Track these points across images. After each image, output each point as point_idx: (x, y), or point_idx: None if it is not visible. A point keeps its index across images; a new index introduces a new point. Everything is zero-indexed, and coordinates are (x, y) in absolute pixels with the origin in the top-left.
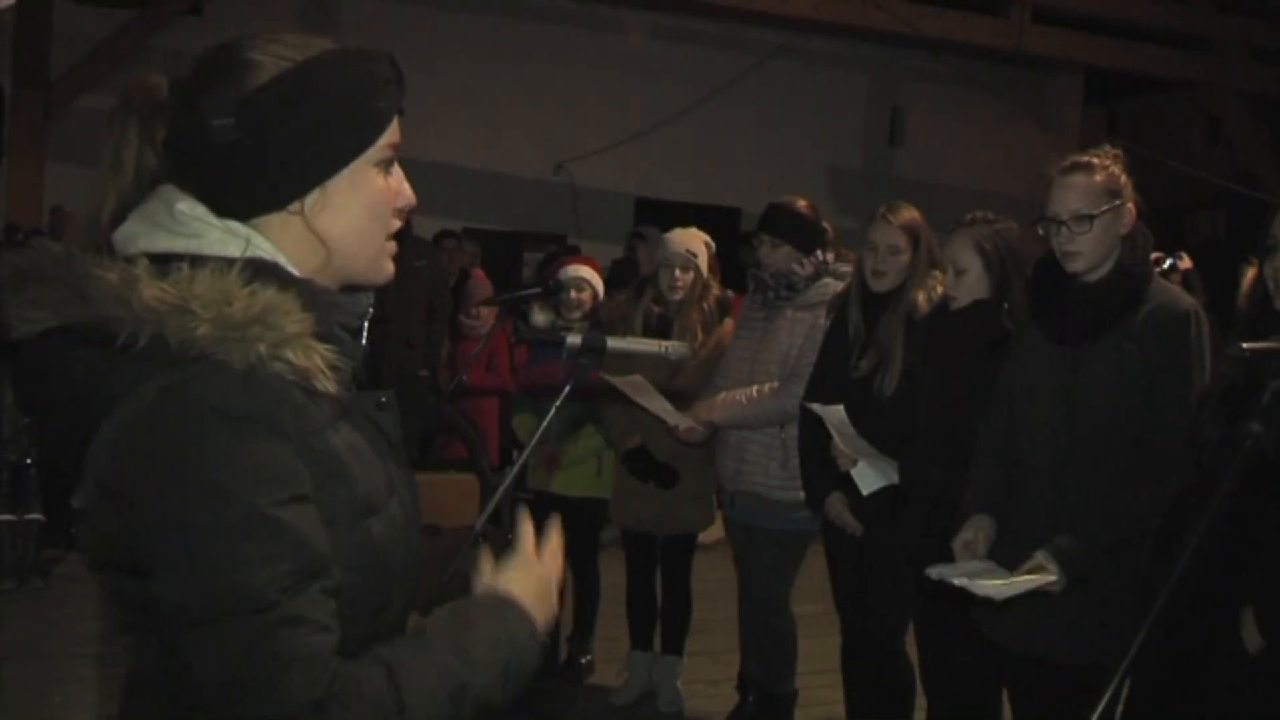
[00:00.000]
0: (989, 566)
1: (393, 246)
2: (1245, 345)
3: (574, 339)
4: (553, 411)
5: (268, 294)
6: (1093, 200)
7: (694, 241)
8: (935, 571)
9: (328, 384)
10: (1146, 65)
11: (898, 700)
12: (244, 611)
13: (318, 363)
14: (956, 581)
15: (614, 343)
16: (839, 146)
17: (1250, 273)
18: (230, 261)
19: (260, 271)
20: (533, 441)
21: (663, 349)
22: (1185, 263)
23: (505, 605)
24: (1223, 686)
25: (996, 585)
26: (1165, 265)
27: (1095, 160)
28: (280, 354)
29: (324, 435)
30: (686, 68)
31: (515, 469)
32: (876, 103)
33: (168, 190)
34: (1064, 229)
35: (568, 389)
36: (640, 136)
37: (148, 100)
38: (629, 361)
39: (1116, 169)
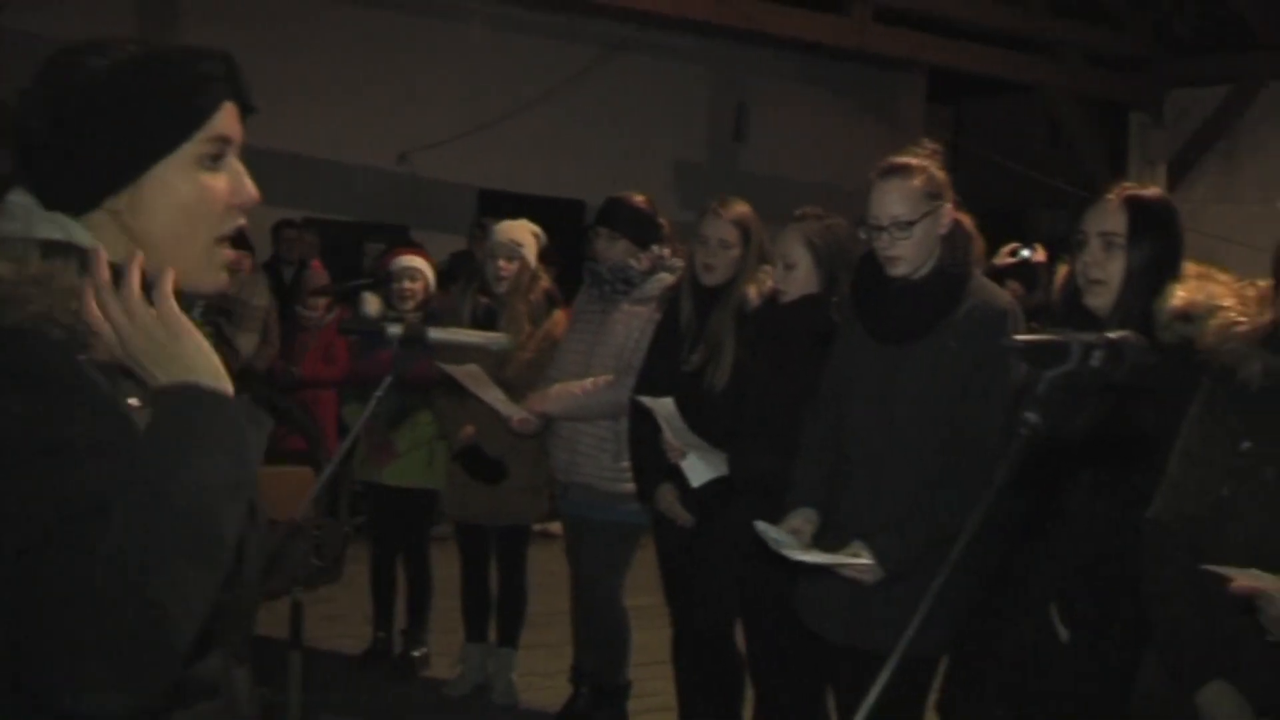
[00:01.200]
0: (809, 549)
1: (224, 252)
2: (1018, 337)
3: (394, 329)
4: (373, 402)
5: (53, 263)
6: (912, 205)
7: (520, 232)
8: (761, 526)
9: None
10: (985, 66)
11: (727, 691)
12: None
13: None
14: (773, 536)
15: (435, 333)
16: (684, 141)
17: (1063, 269)
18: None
19: (64, 252)
20: (352, 433)
21: (484, 341)
22: (1039, 254)
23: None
24: (1035, 675)
25: (811, 556)
26: (1019, 256)
27: (913, 163)
28: (54, 316)
29: (110, 400)
30: (532, 60)
31: (334, 461)
32: (721, 98)
33: (16, 187)
34: (884, 234)
35: (389, 380)
36: (485, 128)
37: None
38: (464, 352)
39: (934, 169)
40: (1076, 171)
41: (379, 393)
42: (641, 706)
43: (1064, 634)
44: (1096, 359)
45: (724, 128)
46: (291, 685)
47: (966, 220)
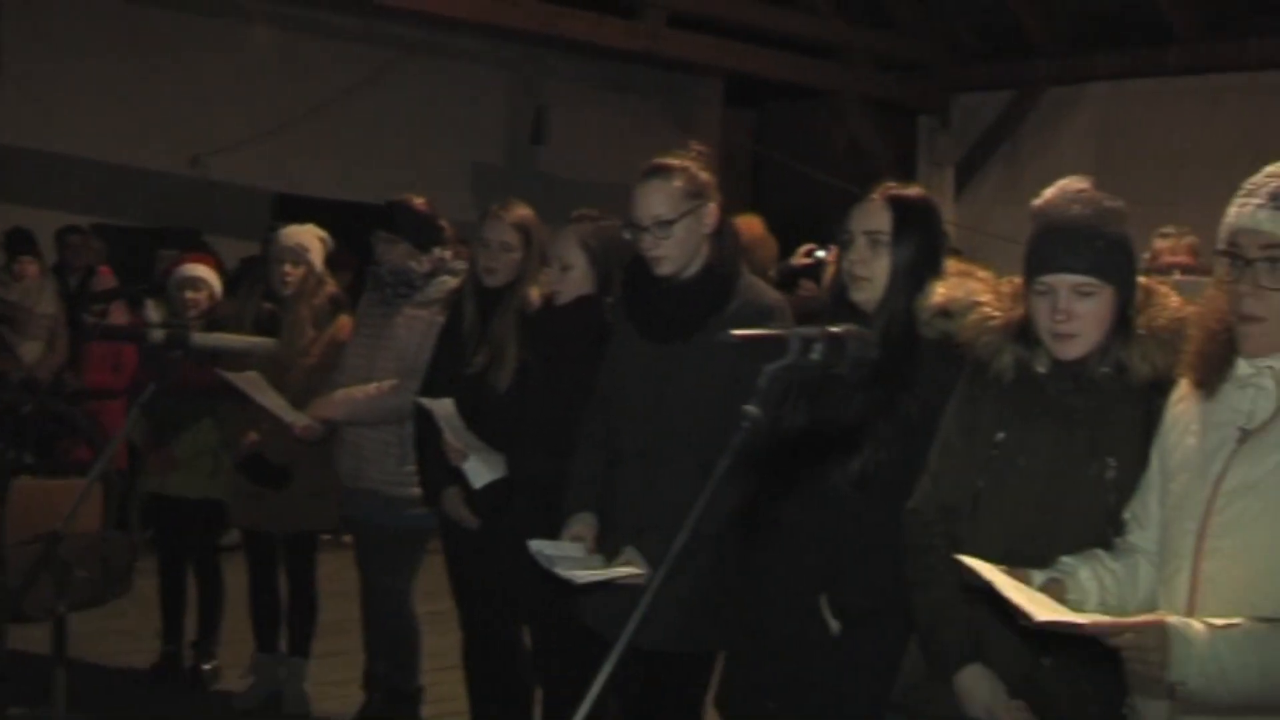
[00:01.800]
0: (586, 559)
1: None
2: (734, 332)
3: (156, 335)
4: (134, 411)
5: None
6: (672, 204)
7: (305, 237)
8: (535, 544)
9: None
10: (778, 71)
11: (517, 692)
12: None
13: None
14: (548, 554)
15: (197, 339)
16: (482, 144)
17: (831, 267)
18: None
19: None
20: (112, 443)
21: (249, 345)
22: (834, 255)
23: None
24: (805, 667)
25: (583, 574)
26: (813, 257)
27: (674, 163)
28: None
29: None
30: (326, 62)
31: (96, 469)
32: (520, 101)
33: None
34: (647, 234)
35: (152, 387)
36: (280, 131)
37: None
38: (247, 359)
39: (698, 169)
40: (871, 175)
41: (141, 400)
42: (435, 711)
43: (834, 625)
44: (817, 352)
45: (522, 131)
46: (56, 702)
47: (756, 222)
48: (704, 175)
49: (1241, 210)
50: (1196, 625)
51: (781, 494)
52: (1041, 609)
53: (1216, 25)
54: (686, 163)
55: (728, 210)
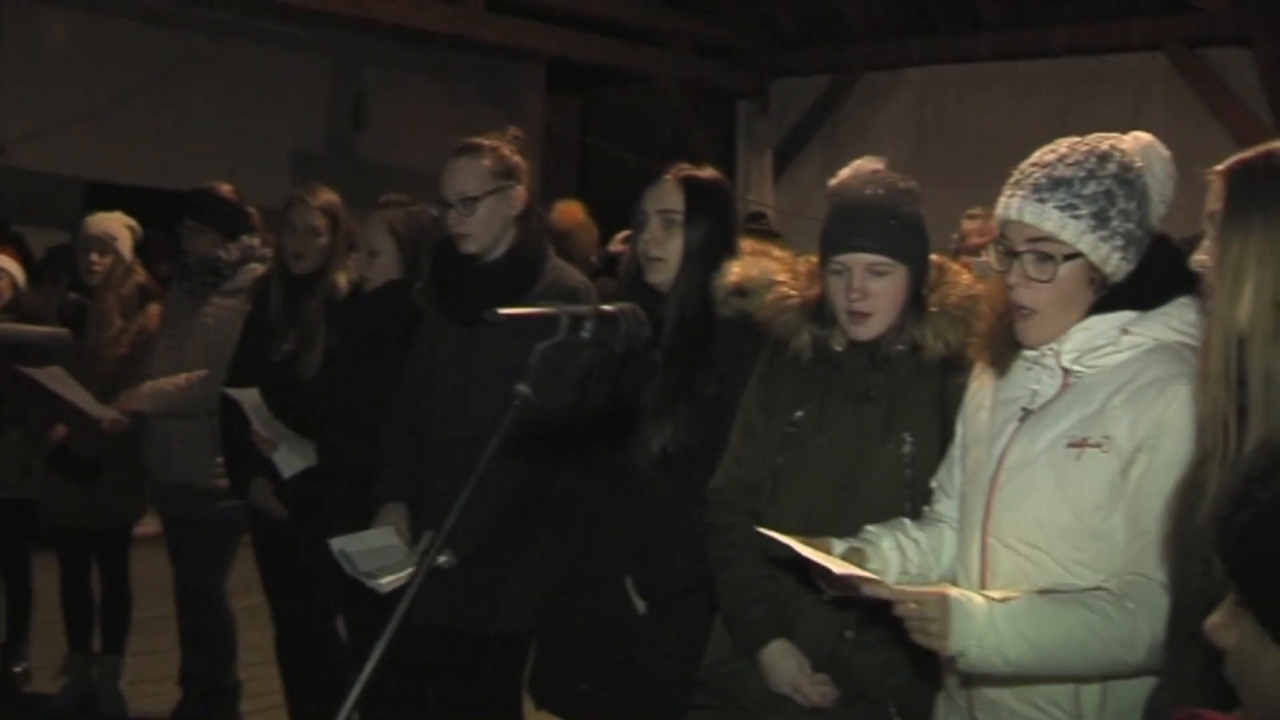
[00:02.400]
0: (392, 543)
1: None
2: (501, 311)
3: None
4: None
5: None
6: (478, 182)
7: (113, 225)
8: (337, 544)
9: None
10: (600, 56)
11: (334, 684)
12: None
13: None
14: (350, 551)
15: None
16: (302, 129)
17: (627, 248)
18: None
19: None
20: None
21: (42, 336)
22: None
23: None
24: (613, 648)
25: (386, 580)
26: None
27: (484, 143)
28: None
29: None
30: (140, 46)
31: None
32: (339, 86)
33: None
34: (452, 210)
35: None
36: (91, 117)
37: None
38: (48, 351)
39: (508, 152)
40: (693, 160)
41: None
42: (254, 706)
43: (640, 605)
44: (588, 330)
45: (343, 117)
46: None
47: (577, 208)
48: (514, 158)
49: (1009, 202)
50: (977, 598)
51: (584, 475)
52: (840, 567)
53: (1024, 13)
54: (497, 144)
55: (552, 196)
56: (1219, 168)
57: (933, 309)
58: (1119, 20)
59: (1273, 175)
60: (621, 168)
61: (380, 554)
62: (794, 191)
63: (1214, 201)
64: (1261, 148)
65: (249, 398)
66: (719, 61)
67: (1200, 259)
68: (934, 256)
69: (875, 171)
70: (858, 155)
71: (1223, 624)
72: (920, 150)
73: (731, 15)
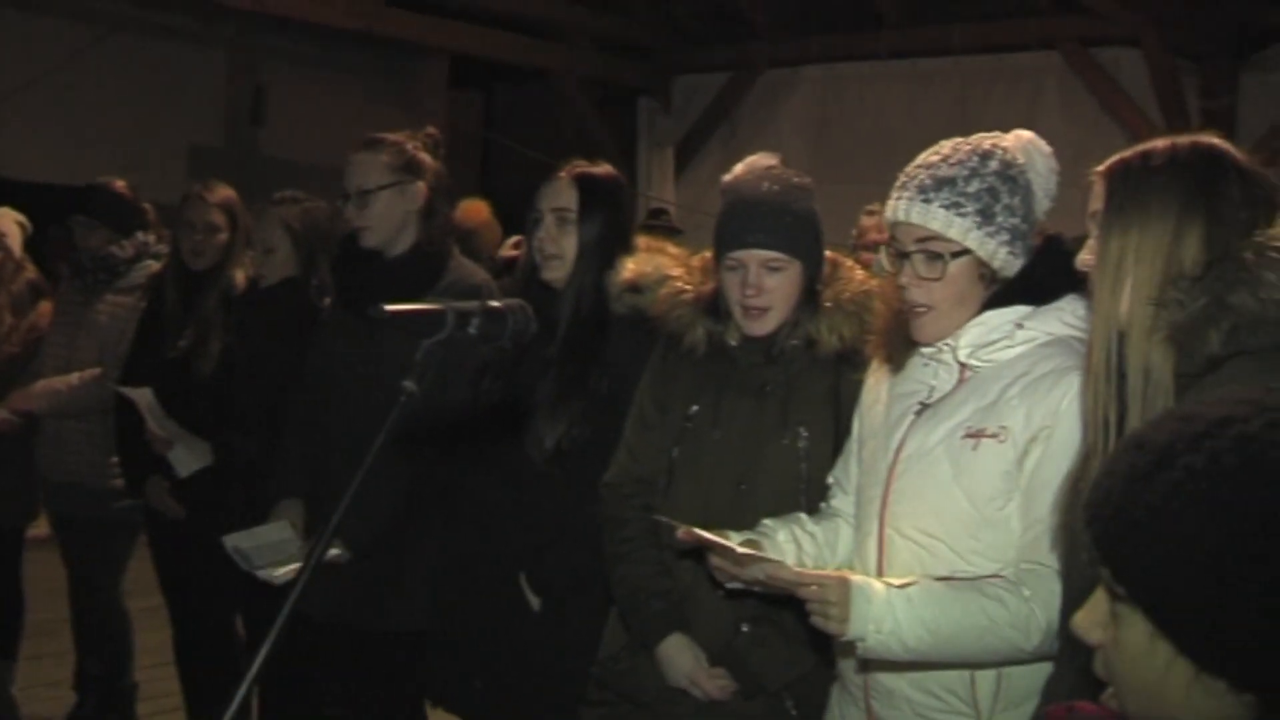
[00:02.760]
0: (286, 537)
1: None
2: (387, 307)
3: None
4: None
5: None
6: (374, 176)
7: (3, 221)
8: (230, 541)
9: None
10: (501, 52)
11: (232, 684)
12: None
13: None
14: (245, 548)
15: None
16: (200, 125)
17: (522, 246)
18: None
19: None
20: None
21: None
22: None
23: None
24: (508, 645)
25: (280, 573)
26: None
27: (387, 138)
28: None
29: None
30: (33, 38)
31: None
32: (237, 81)
33: None
34: (350, 203)
35: None
36: None
37: None
38: None
39: (413, 148)
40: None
41: None
42: (152, 709)
43: (535, 602)
44: (475, 327)
45: (242, 112)
46: None
47: (482, 206)
48: (418, 154)
49: (896, 204)
50: (877, 584)
51: (479, 472)
52: (741, 549)
53: (922, 12)
54: (400, 139)
55: (455, 194)
56: (1099, 169)
57: (827, 304)
58: (1015, 19)
59: (1150, 175)
60: (524, 164)
61: (275, 548)
62: (695, 188)
63: (1095, 202)
64: (1139, 148)
65: (143, 396)
66: (620, 58)
67: (1084, 258)
68: (828, 253)
69: (770, 168)
70: (758, 152)
71: (1096, 621)
72: (819, 147)
73: (633, 11)
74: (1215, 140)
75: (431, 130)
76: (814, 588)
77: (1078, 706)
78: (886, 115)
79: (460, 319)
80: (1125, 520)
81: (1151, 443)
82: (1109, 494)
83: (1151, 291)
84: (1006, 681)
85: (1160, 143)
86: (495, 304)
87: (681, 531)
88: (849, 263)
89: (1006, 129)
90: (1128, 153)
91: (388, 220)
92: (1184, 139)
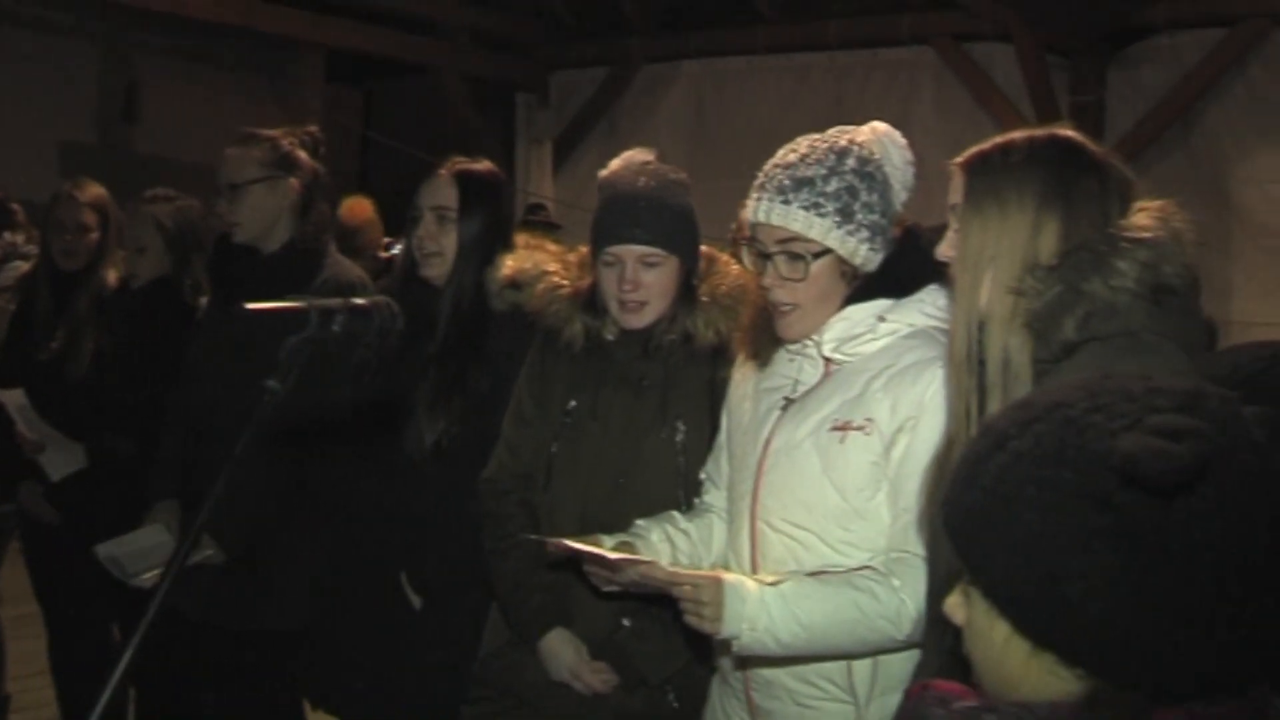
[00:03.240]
0: (161, 540)
1: None
2: (249, 305)
3: None
4: None
5: None
6: (246, 171)
7: None
8: (103, 550)
9: None
10: (378, 47)
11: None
12: None
13: None
14: (117, 555)
15: None
16: (71, 122)
17: (399, 245)
18: None
19: None
20: None
21: None
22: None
23: None
24: (389, 644)
25: (148, 577)
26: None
27: (262, 133)
28: None
29: None
30: None
31: None
32: (110, 76)
33: None
34: (222, 199)
35: None
36: None
37: None
38: None
39: (288, 145)
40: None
41: None
42: None
43: (416, 601)
44: (339, 324)
45: (114, 108)
46: None
47: (365, 204)
48: (293, 151)
49: (756, 205)
50: (750, 582)
51: (358, 470)
52: (614, 555)
53: (799, 7)
54: (276, 135)
55: (334, 191)
56: (958, 160)
57: (704, 299)
58: (890, 15)
59: (1009, 169)
60: (405, 161)
61: (149, 553)
62: (574, 183)
63: (954, 194)
64: (997, 141)
65: (13, 398)
66: (499, 53)
67: (944, 250)
68: (704, 247)
69: (646, 163)
70: (636, 147)
71: (956, 602)
72: (698, 142)
73: (511, 7)
74: (1072, 133)
75: (311, 128)
76: (688, 588)
77: (932, 684)
78: (764, 110)
79: (324, 316)
80: (963, 503)
81: (992, 428)
82: (952, 479)
83: (1010, 282)
84: (882, 668)
85: (1018, 136)
86: (361, 301)
87: (551, 545)
88: (725, 257)
89: (884, 122)
90: (986, 145)
91: (259, 215)
92: (1041, 132)
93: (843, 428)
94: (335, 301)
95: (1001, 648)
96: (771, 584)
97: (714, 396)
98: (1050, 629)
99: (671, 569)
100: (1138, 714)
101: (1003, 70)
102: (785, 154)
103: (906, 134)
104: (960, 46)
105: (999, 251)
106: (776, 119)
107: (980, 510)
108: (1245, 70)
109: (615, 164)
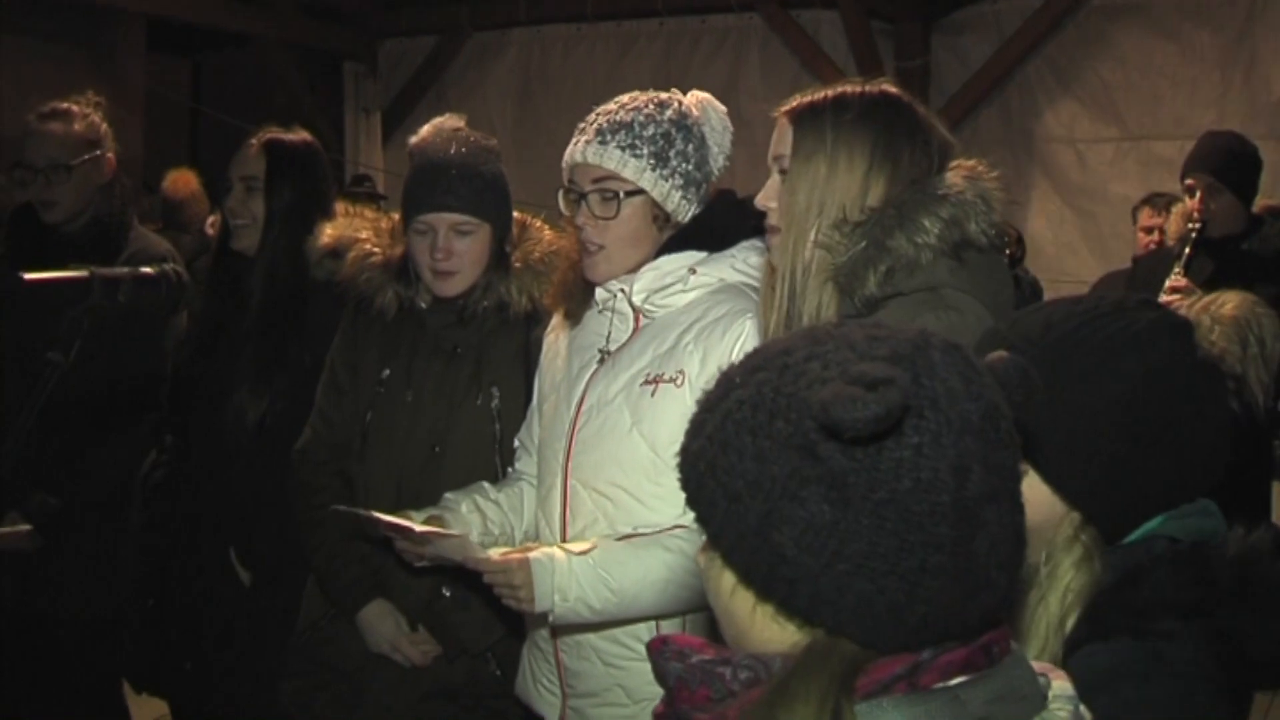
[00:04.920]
0: None
1: None
2: (25, 275)
3: None
4: None
5: None
6: (72, 150)
7: None
8: None
9: None
10: (198, 16)
11: None
12: None
13: None
14: None
15: None
16: None
17: (214, 218)
18: None
19: None
20: None
21: None
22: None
23: None
24: (218, 621)
25: None
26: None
27: (75, 108)
28: None
29: None
30: None
31: None
32: None
33: None
34: (40, 177)
35: None
36: None
37: None
38: None
39: (97, 118)
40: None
41: None
42: None
43: (245, 577)
44: (124, 294)
45: None
46: None
47: (190, 177)
48: (103, 125)
49: (574, 148)
50: (558, 554)
51: (181, 448)
52: (423, 528)
53: None
54: (87, 110)
55: (158, 165)
56: (785, 109)
57: (517, 265)
58: None
59: (840, 125)
60: (237, 134)
61: None
62: (403, 154)
63: (780, 145)
64: (827, 92)
65: None
66: (327, 23)
67: (762, 199)
68: (517, 214)
69: (457, 130)
70: (469, 114)
71: (700, 553)
72: (526, 109)
73: None
74: (900, 92)
75: (98, 96)
76: (499, 575)
77: (671, 637)
78: (592, 77)
79: (107, 286)
80: (690, 451)
81: (724, 376)
82: (687, 427)
83: (826, 237)
84: (692, 626)
85: (849, 90)
86: (147, 270)
87: (362, 518)
88: (538, 223)
89: (710, 89)
90: (814, 96)
91: (81, 195)
92: (872, 88)
93: (654, 381)
94: (120, 270)
95: (729, 598)
96: (580, 553)
97: (529, 362)
98: (768, 580)
99: (479, 558)
100: (855, 664)
101: (829, 37)
102: (607, 105)
103: (734, 100)
104: (787, 13)
105: (826, 209)
106: (604, 86)
107: (705, 458)
108: (1061, 36)
109: (425, 131)
